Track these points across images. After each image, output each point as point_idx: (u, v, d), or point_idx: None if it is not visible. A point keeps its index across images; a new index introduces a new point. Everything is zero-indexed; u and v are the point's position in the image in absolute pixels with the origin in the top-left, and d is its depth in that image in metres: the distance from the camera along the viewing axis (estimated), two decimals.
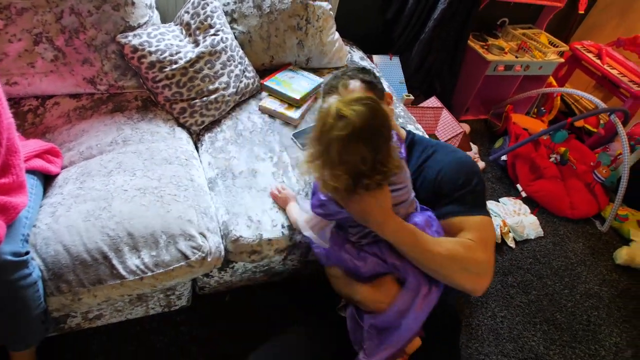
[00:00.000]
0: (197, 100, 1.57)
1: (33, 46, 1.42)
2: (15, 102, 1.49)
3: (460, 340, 1.10)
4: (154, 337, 1.44)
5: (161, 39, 1.53)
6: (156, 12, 1.66)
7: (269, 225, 1.30)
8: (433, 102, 2.34)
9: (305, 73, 1.83)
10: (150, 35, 1.52)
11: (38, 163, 1.24)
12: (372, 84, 1.20)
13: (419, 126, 1.84)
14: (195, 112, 1.57)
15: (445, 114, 2.25)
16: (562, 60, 2.79)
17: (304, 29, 1.82)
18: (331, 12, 1.89)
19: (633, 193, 2.40)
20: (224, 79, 1.62)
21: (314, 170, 0.95)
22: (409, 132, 1.28)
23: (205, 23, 1.60)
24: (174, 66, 1.51)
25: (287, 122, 1.67)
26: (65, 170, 1.35)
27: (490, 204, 2.25)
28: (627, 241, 2.29)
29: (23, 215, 1.08)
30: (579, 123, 2.79)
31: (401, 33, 2.38)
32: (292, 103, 1.69)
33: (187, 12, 1.62)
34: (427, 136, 1.63)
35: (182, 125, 1.59)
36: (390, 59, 2.37)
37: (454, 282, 0.99)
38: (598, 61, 2.77)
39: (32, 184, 1.20)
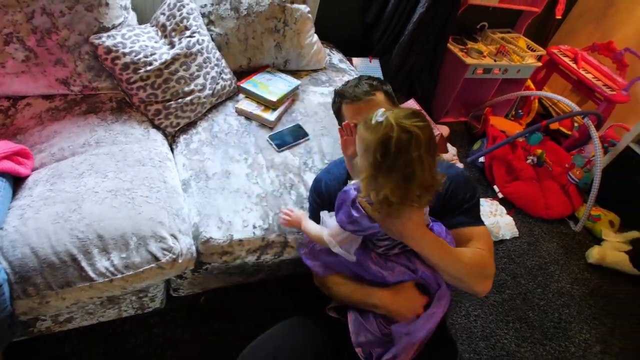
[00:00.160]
0: (172, 102, 1.57)
1: (3, 46, 1.41)
2: None
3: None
4: (127, 339, 1.44)
5: (136, 40, 1.52)
6: (132, 13, 1.66)
7: (239, 225, 1.31)
8: (411, 104, 2.36)
9: (283, 75, 1.84)
10: (124, 36, 1.52)
11: (7, 165, 1.24)
12: (392, 96, 1.24)
13: None
14: (171, 114, 1.57)
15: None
16: (540, 64, 2.84)
17: (281, 32, 1.83)
18: (309, 14, 1.90)
19: (606, 194, 2.47)
20: (200, 80, 1.62)
21: (368, 183, 0.95)
22: None
23: (181, 25, 1.60)
24: (149, 68, 1.51)
25: (263, 124, 1.68)
26: (35, 172, 1.34)
27: None
28: (599, 241, 2.34)
29: None
30: (554, 126, 2.85)
31: (381, 36, 2.40)
32: (269, 105, 1.70)
33: (163, 14, 1.62)
34: None
35: (157, 127, 1.59)
36: (370, 62, 2.39)
37: (471, 287, 1.08)
38: (574, 65, 2.83)
39: (1, 186, 1.19)
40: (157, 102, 1.56)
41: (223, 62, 1.74)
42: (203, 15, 1.73)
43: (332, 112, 1.80)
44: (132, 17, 1.65)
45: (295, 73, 1.96)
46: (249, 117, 1.69)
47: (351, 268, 1.13)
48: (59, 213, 1.18)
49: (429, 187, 0.95)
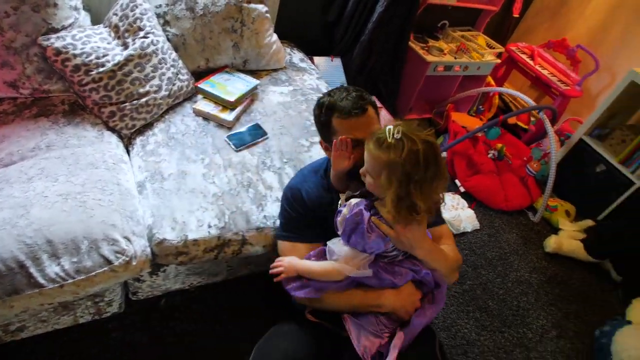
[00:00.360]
0: (127, 104, 1.55)
1: None
2: None
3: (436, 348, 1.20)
4: (84, 346, 1.42)
5: (87, 41, 1.50)
6: (83, 14, 1.63)
7: (194, 225, 1.31)
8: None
9: (242, 75, 1.85)
10: (75, 37, 1.49)
11: None
12: (376, 106, 1.26)
13: None
14: (126, 116, 1.55)
15: (384, 114, 2.32)
16: (499, 61, 2.93)
17: (239, 32, 1.83)
18: (267, 14, 1.91)
19: (562, 185, 2.57)
20: (156, 81, 1.61)
21: (396, 198, 1.01)
22: None
23: (134, 25, 1.58)
24: (101, 69, 1.49)
25: (221, 124, 1.68)
26: None
27: None
28: (556, 230, 2.43)
29: None
30: (512, 120, 2.94)
31: (342, 35, 2.43)
32: (227, 105, 1.70)
33: (116, 14, 1.60)
34: None
35: (111, 129, 1.57)
36: (332, 61, 2.41)
37: (449, 280, 1.21)
38: (531, 62, 2.93)
39: None
40: (112, 104, 1.54)
41: (180, 63, 1.73)
42: (158, 15, 1.72)
43: (291, 111, 1.84)
44: (83, 17, 1.62)
45: (255, 73, 1.97)
46: (206, 117, 1.69)
47: (360, 281, 1.16)
48: (6, 219, 1.15)
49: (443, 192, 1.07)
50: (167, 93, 1.64)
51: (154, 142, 1.57)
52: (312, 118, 1.79)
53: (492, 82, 3.09)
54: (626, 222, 2.27)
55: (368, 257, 1.11)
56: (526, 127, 2.95)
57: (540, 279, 2.16)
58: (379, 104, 2.36)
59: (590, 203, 2.49)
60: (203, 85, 1.74)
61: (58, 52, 1.45)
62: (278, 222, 1.38)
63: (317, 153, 1.66)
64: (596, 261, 2.27)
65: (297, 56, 2.24)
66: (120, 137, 1.59)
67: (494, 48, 2.92)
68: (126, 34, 1.58)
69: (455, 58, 2.72)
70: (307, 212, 1.26)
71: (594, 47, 2.74)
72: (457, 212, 2.29)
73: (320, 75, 2.15)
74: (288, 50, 2.24)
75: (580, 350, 1.88)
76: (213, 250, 1.35)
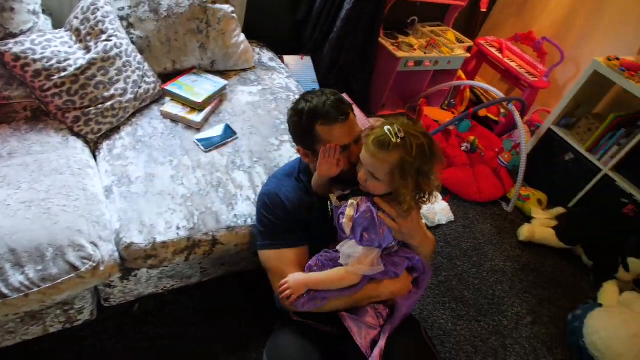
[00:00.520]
0: (91, 108, 1.53)
1: None
2: None
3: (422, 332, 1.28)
4: (55, 356, 1.40)
5: (47, 46, 1.47)
6: (43, 18, 1.60)
7: (162, 227, 1.30)
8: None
9: (210, 76, 1.84)
10: (34, 42, 1.47)
11: None
12: (352, 106, 1.26)
13: None
14: (91, 120, 1.53)
15: (357, 112, 2.34)
16: (469, 55, 2.98)
17: (204, 32, 1.82)
18: (233, 14, 1.90)
19: (533, 174, 2.62)
20: (121, 85, 1.59)
21: (411, 192, 1.08)
22: None
23: (96, 28, 1.56)
24: (63, 74, 1.46)
25: (190, 125, 1.67)
26: None
27: None
28: (529, 219, 2.48)
29: None
30: (483, 112, 2.99)
31: (311, 33, 2.44)
32: (195, 106, 1.69)
33: (77, 18, 1.57)
34: None
35: (77, 135, 1.54)
36: (302, 59, 2.42)
37: (430, 261, 1.31)
38: (499, 55, 2.99)
39: None
40: (75, 108, 1.51)
41: (145, 66, 1.71)
42: (121, 18, 1.70)
43: (260, 111, 1.84)
44: (43, 22, 1.59)
45: (223, 74, 1.96)
46: (175, 119, 1.68)
47: (336, 293, 1.18)
48: None
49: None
50: (133, 96, 1.62)
51: (121, 145, 1.55)
52: (281, 117, 1.81)
53: (463, 76, 3.14)
54: (595, 207, 2.33)
55: (379, 252, 1.15)
56: (496, 119, 3.01)
57: (515, 267, 2.20)
58: (350, 101, 2.38)
59: (561, 191, 2.56)
60: (170, 87, 1.73)
61: (17, 57, 1.42)
62: (256, 231, 1.33)
63: (288, 151, 1.67)
64: (568, 247, 2.32)
65: (266, 56, 2.24)
66: (87, 142, 1.57)
67: (463, 42, 2.97)
68: (88, 38, 1.55)
69: (425, 53, 2.76)
70: (288, 217, 1.26)
71: (559, 39, 2.81)
72: (431, 204, 2.31)
73: (289, 74, 2.15)
74: (257, 50, 2.24)
75: (555, 334, 1.93)
76: (183, 252, 1.34)
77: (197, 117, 1.66)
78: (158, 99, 1.76)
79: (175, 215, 1.34)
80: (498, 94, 2.65)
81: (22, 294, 1.12)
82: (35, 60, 1.44)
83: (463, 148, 2.71)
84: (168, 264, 1.35)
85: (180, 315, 1.58)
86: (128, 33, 1.71)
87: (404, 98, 3.12)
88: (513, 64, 2.91)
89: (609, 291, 2.09)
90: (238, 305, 1.59)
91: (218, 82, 1.80)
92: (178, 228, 1.32)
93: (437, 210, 2.31)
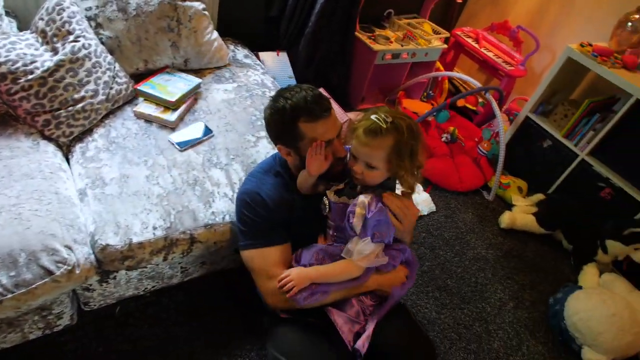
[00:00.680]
0: (62, 111, 1.50)
1: None
2: None
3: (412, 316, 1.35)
4: None
5: (11, 48, 1.44)
6: (7, 20, 1.57)
7: (138, 228, 1.29)
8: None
9: (183, 75, 1.82)
10: None
11: None
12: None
13: None
14: (62, 123, 1.51)
15: (334, 105, 2.34)
16: (446, 46, 3.00)
17: (175, 30, 1.80)
18: (205, 12, 1.89)
19: (513, 162, 2.66)
20: (91, 86, 1.56)
21: (412, 173, 1.14)
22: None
23: (63, 29, 1.53)
24: (30, 77, 1.44)
25: (164, 125, 1.65)
26: None
27: None
28: (510, 206, 2.51)
29: None
30: (461, 103, 3.02)
31: (286, 29, 2.43)
32: (168, 106, 1.68)
33: (42, 19, 1.54)
34: None
35: (48, 138, 1.52)
36: (278, 55, 2.41)
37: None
38: (476, 45, 3.01)
39: None
40: (45, 112, 1.49)
41: (116, 66, 1.69)
42: (89, 18, 1.67)
43: (236, 108, 1.83)
44: (7, 24, 1.57)
45: (198, 72, 1.95)
46: (148, 119, 1.66)
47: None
48: None
49: None
50: (104, 97, 1.60)
51: (94, 148, 1.53)
52: (257, 113, 1.81)
53: (442, 68, 3.16)
54: (573, 192, 2.37)
55: (383, 246, 1.18)
56: (474, 108, 3.03)
57: (497, 254, 2.23)
58: (327, 95, 2.38)
59: (541, 177, 2.59)
60: (143, 87, 1.71)
61: None
62: (237, 230, 1.32)
63: (264, 147, 1.66)
64: (548, 232, 2.36)
65: (241, 53, 2.23)
66: (59, 145, 1.55)
67: (440, 34, 2.98)
68: (55, 39, 1.53)
69: (402, 45, 2.77)
70: (270, 214, 1.25)
71: (534, 27, 2.84)
72: (412, 196, 2.33)
73: (265, 71, 2.14)
74: (232, 47, 2.23)
75: (537, 318, 1.96)
76: (161, 252, 1.33)
77: (171, 117, 1.65)
78: (131, 99, 1.74)
79: (151, 215, 1.33)
80: (476, 84, 2.67)
81: None
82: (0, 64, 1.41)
83: (443, 139, 2.73)
84: (146, 264, 1.34)
85: (162, 316, 1.57)
86: (97, 33, 1.69)
87: (383, 91, 3.13)
88: (490, 54, 2.94)
89: (588, 273, 2.13)
90: (220, 304, 1.59)
91: (192, 81, 1.79)
92: (154, 228, 1.31)
93: (419, 201, 2.32)
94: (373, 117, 1.10)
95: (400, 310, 1.31)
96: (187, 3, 1.81)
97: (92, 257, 1.25)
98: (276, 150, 1.32)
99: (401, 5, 3.00)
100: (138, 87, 1.71)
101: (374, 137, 1.09)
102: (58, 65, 1.49)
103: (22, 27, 1.65)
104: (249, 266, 1.28)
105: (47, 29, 1.53)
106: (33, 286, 1.14)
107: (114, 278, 1.40)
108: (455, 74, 2.87)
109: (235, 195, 1.46)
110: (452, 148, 2.69)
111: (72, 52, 1.52)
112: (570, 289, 1.99)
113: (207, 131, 1.66)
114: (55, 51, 1.52)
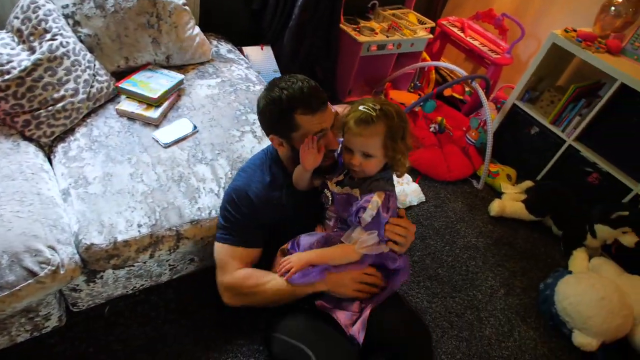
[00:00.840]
0: (41, 111, 1.48)
1: None
2: None
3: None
4: None
5: None
6: None
7: (123, 226, 1.28)
8: None
9: (165, 71, 1.80)
10: None
11: None
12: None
13: None
14: (42, 123, 1.49)
15: None
16: (431, 36, 2.99)
17: (156, 26, 1.78)
18: (185, 7, 1.86)
19: (501, 150, 2.66)
20: (71, 85, 1.54)
21: (406, 155, 1.19)
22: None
23: (39, 28, 1.51)
24: (7, 77, 1.41)
25: (147, 122, 1.63)
26: None
27: None
28: (499, 194, 2.52)
29: None
30: (447, 92, 3.01)
31: (270, 23, 2.41)
32: (151, 103, 1.66)
33: (17, 18, 1.51)
34: None
35: (29, 139, 1.50)
36: (262, 50, 2.39)
37: None
38: (462, 34, 3.01)
39: None
40: (25, 112, 1.47)
41: (96, 64, 1.66)
42: (66, 16, 1.64)
43: (220, 103, 1.81)
44: None
45: (181, 68, 1.93)
46: (131, 117, 1.64)
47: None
48: None
49: None
50: (85, 96, 1.58)
51: (77, 147, 1.51)
52: (242, 108, 1.79)
53: (428, 58, 3.15)
54: (561, 178, 2.38)
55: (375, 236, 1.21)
56: (461, 97, 3.03)
57: (487, 242, 2.24)
58: None
59: (529, 165, 2.60)
60: (124, 84, 1.69)
61: None
62: (218, 222, 1.34)
63: (250, 142, 1.65)
64: (538, 219, 2.37)
65: (224, 48, 2.21)
66: (40, 145, 1.53)
67: (425, 24, 2.98)
68: (31, 38, 1.50)
69: (388, 36, 2.76)
70: (254, 213, 1.26)
71: (519, 14, 2.84)
72: (401, 187, 2.33)
73: (249, 65, 2.12)
74: (215, 42, 2.21)
75: (528, 304, 1.97)
76: (147, 249, 1.32)
77: (154, 114, 1.63)
78: (113, 97, 1.72)
79: (135, 213, 1.32)
80: (463, 73, 2.67)
81: None
82: None
83: (431, 129, 2.73)
84: (133, 262, 1.33)
85: (152, 315, 1.56)
86: (75, 31, 1.66)
87: (370, 83, 3.12)
88: (476, 43, 2.94)
89: (578, 258, 2.14)
90: (210, 301, 1.57)
91: (174, 77, 1.77)
92: (139, 225, 1.29)
93: (408, 192, 2.32)
94: (361, 107, 1.14)
95: (397, 299, 1.33)
96: None
97: (77, 257, 1.24)
98: (264, 146, 1.32)
99: None
100: (120, 85, 1.69)
101: (367, 126, 1.11)
102: (36, 65, 1.46)
103: None
104: (215, 257, 1.32)
105: (23, 27, 1.51)
106: (17, 288, 1.13)
107: (101, 277, 1.39)
108: (442, 63, 2.87)
109: (222, 190, 1.46)
110: (441, 138, 2.69)
111: (49, 50, 1.49)
112: (560, 274, 2.00)
113: (192, 127, 1.65)
114: (32, 50, 1.50)
